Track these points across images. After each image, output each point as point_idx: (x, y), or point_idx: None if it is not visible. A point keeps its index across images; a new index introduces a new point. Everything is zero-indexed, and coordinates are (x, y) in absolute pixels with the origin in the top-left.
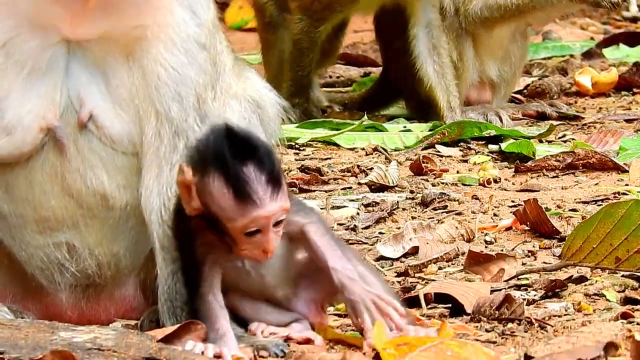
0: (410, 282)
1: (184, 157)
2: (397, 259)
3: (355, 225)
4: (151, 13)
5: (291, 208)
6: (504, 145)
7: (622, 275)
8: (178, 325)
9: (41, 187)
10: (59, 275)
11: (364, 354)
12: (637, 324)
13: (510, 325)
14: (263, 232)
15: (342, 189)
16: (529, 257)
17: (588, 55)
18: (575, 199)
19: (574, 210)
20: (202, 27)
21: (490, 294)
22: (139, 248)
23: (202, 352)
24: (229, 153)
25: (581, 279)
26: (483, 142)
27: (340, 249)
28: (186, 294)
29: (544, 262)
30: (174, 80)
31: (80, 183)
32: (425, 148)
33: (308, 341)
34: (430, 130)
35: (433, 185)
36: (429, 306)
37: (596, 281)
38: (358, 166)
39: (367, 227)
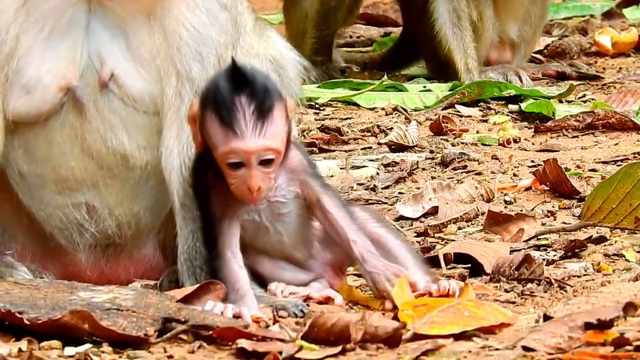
0: (430, 242)
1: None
2: (416, 219)
3: (375, 185)
4: None
5: (310, 171)
6: (523, 105)
7: None
8: (197, 285)
9: (60, 147)
10: (78, 235)
11: (383, 314)
12: None
13: (529, 285)
14: (246, 166)
15: (361, 149)
16: (548, 217)
17: (608, 15)
18: (594, 159)
19: (593, 170)
20: None
21: (510, 254)
22: (159, 208)
23: (222, 313)
24: (224, 82)
25: (600, 239)
26: (503, 102)
27: (355, 224)
28: (206, 253)
29: (564, 222)
30: (195, 40)
31: (100, 143)
32: (445, 108)
33: (328, 300)
34: (450, 90)
35: (453, 145)
36: (449, 266)
37: (615, 241)
38: (378, 126)
39: (386, 187)
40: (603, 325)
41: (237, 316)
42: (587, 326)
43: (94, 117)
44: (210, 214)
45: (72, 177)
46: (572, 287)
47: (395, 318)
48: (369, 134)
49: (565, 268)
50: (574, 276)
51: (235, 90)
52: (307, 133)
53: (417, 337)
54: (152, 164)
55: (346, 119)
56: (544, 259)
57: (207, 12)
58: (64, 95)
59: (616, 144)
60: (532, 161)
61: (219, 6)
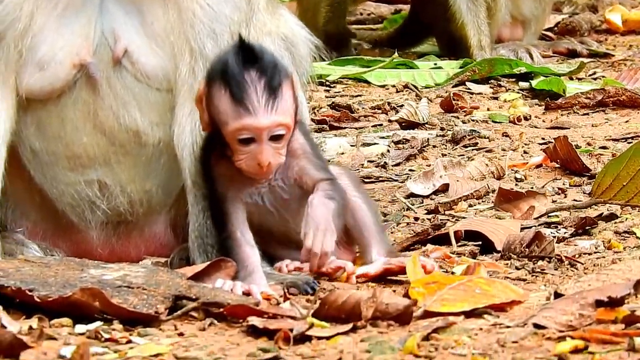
0: (440, 220)
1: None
2: (427, 197)
3: (385, 162)
4: None
5: (310, 157)
6: (534, 83)
7: None
8: (208, 262)
9: (73, 124)
10: (89, 212)
11: (394, 291)
12: None
13: (540, 262)
14: (257, 142)
15: (372, 126)
16: (559, 194)
17: None
18: (605, 137)
19: (604, 147)
20: None
21: (521, 231)
22: (171, 185)
23: (231, 290)
24: (233, 59)
25: (611, 217)
26: (513, 80)
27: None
28: (215, 231)
29: (574, 200)
30: (209, 17)
31: (113, 120)
32: (455, 85)
33: (338, 269)
34: (460, 67)
35: (463, 122)
36: (459, 244)
37: (626, 219)
38: (388, 103)
39: (397, 164)
40: (614, 303)
41: (247, 293)
42: (598, 304)
43: (107, 93)
44: (217, 194)
45: (84, 154)
46: (582, 264)
47: (407, 295)
48: (380, 111)
49: (575, 245)
50: (585, 253)
51: (245, 67)
52: (317, 110)
53: (428, 314)
54: (165, 141)
55: (357, 96)
56: (554, 237)
57: None
58: (77, 71)
59: (627, 121)
60: (543, 138)
61: None
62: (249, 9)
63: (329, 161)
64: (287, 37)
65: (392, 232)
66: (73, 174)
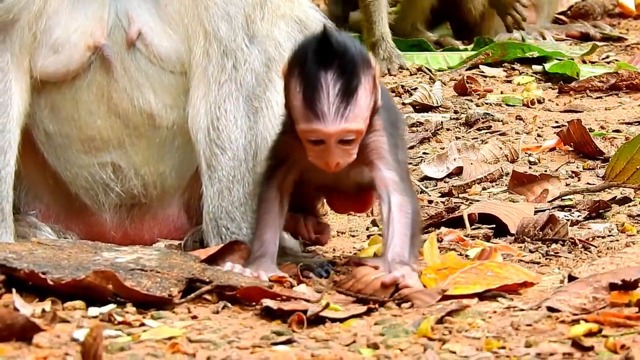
0: (454, 203)
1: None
2: (441, 179)
3: None
4: None
5: (385, 155)
6: (547, 66)
7: None
8: (222, 245)
9: (87, 106)
10: (103, 195)
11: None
12: None
13: (554, 246)
14: (326, 144)
15: None
16: (572, 177)
17: None
18: (618, 120)
19: (617, 131)
20: None
21: (534, 214)
22: (185, 168)
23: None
24: (312, 55)
25: (625, 200)
26: (527, 63)
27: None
28: (237, 210)
29: (588, 183)
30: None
31: (127, 102)
32: (469, 69)
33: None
34: (473, 49)
35: (477, 105)
36: (473, 227)
37: None
38: (402, 86)
39: (411, 147)
40: (628, 286)
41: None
42: (612, 287)
43: (121, 76)
44: (276, 152)
45: (98, 137)
46: (596, 247)
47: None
48: (394, 94)
49: (589, 229)
50: (598, 237)
51: (322, 66)
52: None
53: (444, 297)
54: (179, 123)
55: None
56: (568, 220)
57: None
58: (92, 54)
59: None
60: (556, 122)
61: None
62: None
63: None
64: (300, 20)
65: None
66: (87, 157)
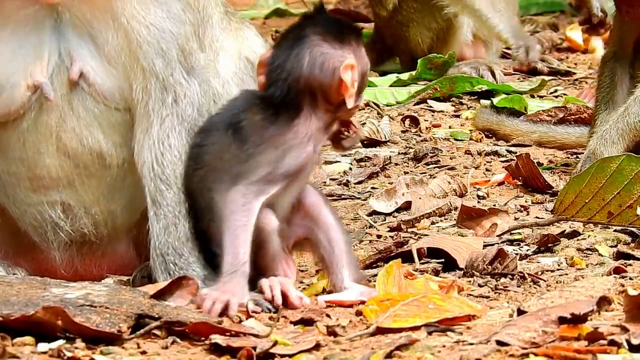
0: (403, 237)
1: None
2: (389, 214)
3: (347, 180)
4: None
5: None
6: (495, 100)
7: (615, 230)
8: (170, 280)
9: (35, 146)
10: (52, 233)
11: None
12: (630, 278)
13: (503, 280)
14: None
15: None
16: (521, 211)
17: (579, 10)
18: (567, 154)
19: (566, 165)
20: None
21: (483, 248)
22: (136, 205)
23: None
24: None
25: (574, 234)
26: (475, 97)
27: None
28: (179, 248)
29: (537, 217)
30: (154, 36)
31: (76, 142)
32: (417, 103)
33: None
34: (418, 73)
35: (425, 140)
36: (422, 261)
37: (589, 236)
38: None
39: (359, 182)
40: (577, 320)
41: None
42: (561, 320)
43: (68, 115)
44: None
45: (47, 176)
46: (545, 281)
47: (359, 313)
48: None
49: (538, 262)
50: (548, 271)
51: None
52: None
53: (379, 331)
54: (129, 161)
55: None
56: (517, 254)
57: (160, 5)
58: (32, 93)
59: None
60: (505, 156)
61: None
62: (196, 19)
63: None
64: (250, 61)
65: (355, 250)
66: (35, 195)
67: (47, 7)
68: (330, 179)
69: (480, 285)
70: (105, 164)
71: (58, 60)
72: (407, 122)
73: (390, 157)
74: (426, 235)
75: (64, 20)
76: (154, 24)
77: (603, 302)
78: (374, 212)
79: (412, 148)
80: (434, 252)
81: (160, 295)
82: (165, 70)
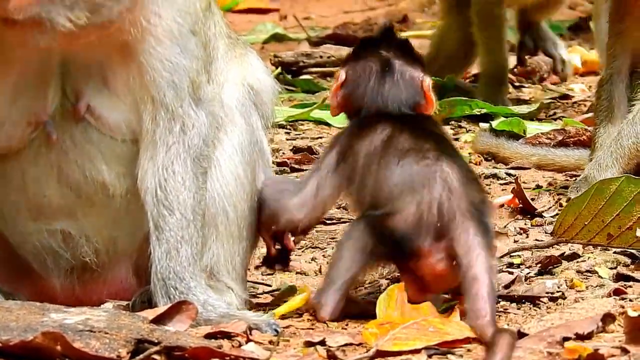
0: None
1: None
2: None
3: (346, 203)
4: (137, 14)
5: None
6: (494, 123)
7: (614, 252)
8: (170, 305)
9: (35, 178)
10: (52, 262)
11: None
12: (630, 300)
13: (503, 302)
14: None
15: None
16: (520, 234)
17: (576, 28)
18: (566, 176)
19: (565, 187)
20: (191, 15)
21: None
22: (138, 231)
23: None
24: None
25: (573, 256)
26: (474, 121)
27: None
28: (181, 272)
29: (536, 240)
30: (168, 70)
31: (79, 174)
32: None
33: None
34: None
35: None
36: None
37: (588, 258)
38: None
39: None
40: (581, 339)
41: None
42: (566, 340)
43: (71, 149)
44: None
45: (47, 205)
46: (545, 303)
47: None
48: None
49: (538, 285)
50: (547, 293)
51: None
52: (278, 153)
53: (379, 354)
54: (132, 191)
55: (317, 138)
56: (517, 276)
57: (177, 42)
58: (32, 130)
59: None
60: (504, 179)
61: (188, 32)
62: (207, 54)
63: None
64: (253, 87)
65: None
66: (35, 224)
67: (55, 50)
68: None
69: None
70: (109, 195)
71: (63, 97)
72: None
73: None
74: None
75: (72, 58)
76: (169, 59)
77: (607, 319)
78: None
79: None
80: None
81: (160, 320)
82: (175, 101)
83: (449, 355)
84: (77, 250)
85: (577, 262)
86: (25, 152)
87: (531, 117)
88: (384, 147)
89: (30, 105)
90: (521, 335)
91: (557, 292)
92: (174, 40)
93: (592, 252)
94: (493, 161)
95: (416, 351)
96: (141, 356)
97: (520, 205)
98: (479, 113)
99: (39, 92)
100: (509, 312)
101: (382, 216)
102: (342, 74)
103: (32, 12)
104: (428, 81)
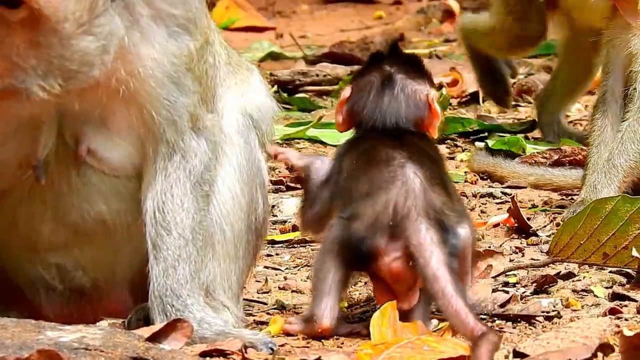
0: None
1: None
2: None
3: None
4: (128, 67)
5: None
6: (490, 143)
7: (610, 271)
8: (165, 323)
9: (29, 215)
10: (45, 294)
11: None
12: (625, 319)
13: (498, 321)
14: None
15: None
16: (516, 253)
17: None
18: (562, 195)
19: (561, 207)
20: (186, 56)
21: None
22: (136, 258)
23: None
24: None
25: (569, 275)
26: (469, 140)
27: None
28: (178, 290)
29: (532, 259)
30: (168, 109)
31: (76, 215)
32: None
33: None
34: None
35: None
36: None
37: (584, 277)
38: None
39: None
40: None
41: None
42: None
43: (67, 192)
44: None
45: (40, 241)
46: (540, 322)
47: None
48: None
49: (534, 304)
50: (543, 312)
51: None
52: (274, 171)
53: None
54: (133, 225)
55: None
56: (512, 295)
57: (175, 82)
58: (23, 172)
59: None
60: (500, 198)
61: (185, 70)
62: (205, 87)
63: (284, 222)
64: (251, 117)
65: (350, 292)
66: (28, 255)
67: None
68: None
69: None
70: (109, 230)
71: (63, 141)
72: None
73: None
74: None
75: (69, 106)
76: (168, 98)
77: (605, 348)
78: None
79: None
80: None
81: (155, 338)
82: (176, 135)
83: None
84: (74, 282)
85: (573, 281)
86: (17, 192)
87: (527, 135)
88: (360, 159)
89: (19, 148)
90: (516, 354)
91: (553, 311)
92: (173, 80)
93: (587, 272)
94: (488, 180)
95: None
96: None
97: (516, 224)
98: (472, 130)
99: (30, 136)
100: (505, 331)
101: (346, 220)
102: (347, 90)
103: (6, 83)
104: (433, 94)
